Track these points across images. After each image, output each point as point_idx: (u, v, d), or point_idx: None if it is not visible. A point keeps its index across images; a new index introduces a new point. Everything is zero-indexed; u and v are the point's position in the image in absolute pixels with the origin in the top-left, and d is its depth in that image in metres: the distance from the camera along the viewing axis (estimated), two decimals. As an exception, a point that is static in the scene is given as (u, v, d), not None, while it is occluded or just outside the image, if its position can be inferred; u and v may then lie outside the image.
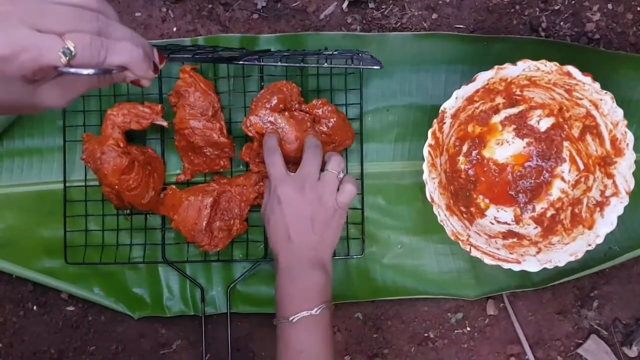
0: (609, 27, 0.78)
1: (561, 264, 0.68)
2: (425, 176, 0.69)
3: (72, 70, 0.39)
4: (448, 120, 0.69)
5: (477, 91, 0.69)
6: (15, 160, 0.78)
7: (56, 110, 0.53)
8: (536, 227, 0.75)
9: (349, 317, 0.79)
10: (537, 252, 0.71)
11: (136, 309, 0.78)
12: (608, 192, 0.70)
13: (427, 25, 0.78)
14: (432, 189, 0.69)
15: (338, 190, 0.66)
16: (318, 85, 0.76)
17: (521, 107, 0.74)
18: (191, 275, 0.78)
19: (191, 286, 0.78)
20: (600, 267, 0.76)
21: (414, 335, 0.79)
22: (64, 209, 0.77)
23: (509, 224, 0.75)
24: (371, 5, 0.78)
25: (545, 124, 0.75)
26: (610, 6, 0.78)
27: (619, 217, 0.69)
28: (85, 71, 0.40)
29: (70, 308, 0.79)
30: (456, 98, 0.68)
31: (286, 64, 0.60)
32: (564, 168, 0.75)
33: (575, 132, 0.73)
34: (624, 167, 0.69)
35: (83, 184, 0.77)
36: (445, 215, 0.70)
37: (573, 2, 0.78)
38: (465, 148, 0.75)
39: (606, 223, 0.69)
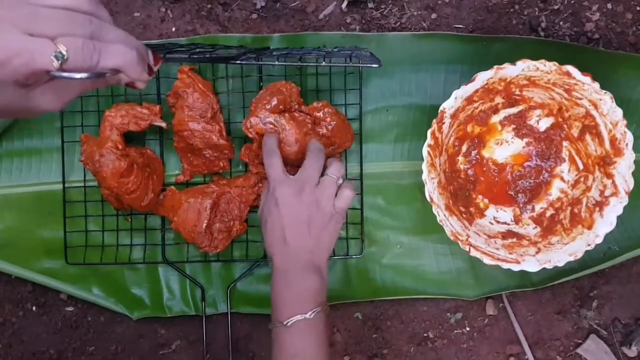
0: (609, 27, 0.78)
1: (560, 264, 0.68)
2: (424, 176, 0.69)
3: (65, 74, 0.39)
4: (447, 120, 0.69)
5: (477, 91, 0.69)
6: (14, 161, 0.78)
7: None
8: (535, 227, 0.75)
9: (348, 317, 0.79)
10: (537, 252, 0.71)
11: (135, 310, 0.78)
12: (607, 192, 0.70)
13: (427, 25, 0.78)
14: (432, 189, 0.69)
15: (336, 195, 0.65)
16: (317, 85, 0.76)
17: (520, 107, 0.74)
18: (191, 275, 0.78)
19: (191, 286, 0.78)
20: (600, 267, 0.76)
21: (413, 335, 0.79)
22: (64, 210, 0.76)
23: (508, 224, 0.75)
24: (370, 5, 0.78)
25: (544, 123, 0.75)
26: (609, 6, 0.78)
27: (619, 217, 0.69)
28: (78, 75, 0.40)
29: (70, 308, 0.79)
30: (455, 98, 0.68)
31: (284, 63, 0.60)
32: (564, 168, 0.75)
33: (575, 132, 0.73)
34: (623, 167, 0.69)
35: (82, 184, 0.77)
36: (445, 215, 0.70)
37: (572, 1, 0.78)
38: (464, 148, 0.75)
39: (605, 223, 0.69)
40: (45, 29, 0.38)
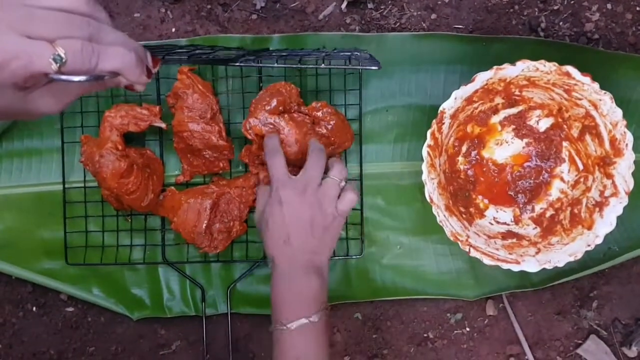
0: (608, 27, 0.78)
1: (560, 264, 0.68)
2: (424, 177, 0.69)
3: (63, 77, 0.39)
4: (447, 121, 0.69)
5: (476, 91, 0.69)
6: (14, 161, 0.78)
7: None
8: (535, 228, 0.75)
9: (348, 317, 0.79)
10: (537, 253, 0.71)
11: (135, 310, 0.78)
12: (607, 193, 0.70)
13: (426, 26, 0.78)
14: (431, 190, 0.69)
15: (339, 197, 0.65)
16: (317, 86, 0.76)
17: (520, 108, 0.74)
18: (191, 275, 0.78)
19: (191, 287, 0.78)
20: (600, 268, 0.76)
21: (413, 336, 0.79)
22: (64, 210, 0.77)
23: (508, 225, 0.75)
24: (370, 5, 0.78)
25: (544, 124, 0.75)
26: (609, 6, 0.78)
27: (618, 218, 0.69)
28: (76, 78, 0.39)
29: (70, 309, 0.79)
30: (455, 98, 0.68)
31: (284, 65, 0.60)
32: (563, 168, 0.75)
33: (575, 133, 0.73)
34: (623, 168, 0.69)
35: (82, 185, 0.77)
36: (445, 216, 0.70)
37: (572, 2, 0.78)
38: (464, 148, 0.75)
39: (605, 223, 0.69)
40: (43, 31, 0.38)
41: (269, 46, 0.76)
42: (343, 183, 0.66)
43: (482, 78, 0.67)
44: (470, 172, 0.76)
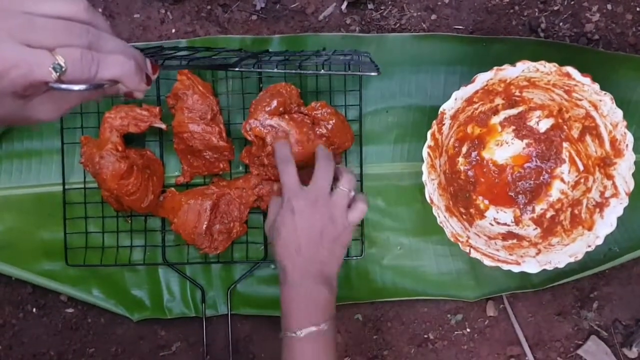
0: (608, 28, 0.78)
1: (561, 265, 0.68)
2: (424, 177, 0.69)
3: (63, 86, 0.38)
4: (447, 122, 0.69)
5: (477, 92, 0.69)
6: (14, 162, 0.78)
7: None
8: (536, 228, 0.74)
9: (348, 318, 0.79)
10: (537, 254, 0.71)
11: (135, 311, 0.78)
12: (608, 193, 0.70)
13: (426, 26, 0.78)
14: (432, 190, 0.69)
15: (349, 207, 0.65)
16: (317, 87, 0.76)
17: (520, 108, 0.74)
18: (191, 276, 0.78)
19: (191, 288, 0.78)
20: (600, 268, 0.76)
21: (413, 337, 0.79)
22: (64, 211, 0.76)
23: (508, 225, 0.75)
24: (370, 6, 0.78)
25: (544, 125, 0.74)
26: (609, 7, 0.78)
27: (619, 218, 0.69)
28: (76, 87, 0.39)
29: (70, 310, 0.79)
30: (455, 99, 0.68)
31: (284, 70, 0.59)
32: (564, 169, 0.75)
33: (575, 133, 0.73)
34: (623, 168, 0.69)
35: (82, 186, 0.77)
36: (445, 217, 0.70)
37: (572, 2, 0.78)
38: (464, 149, 0.75)
39: (606, 224, 0.69)
40: (42, 40, 0.38)
41: (269, 47, 0.76)
42: (352, 193, 0.65)
43: (482, 79, 0.67)
44: (470, 173, 0.75)
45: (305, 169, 0.73)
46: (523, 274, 0.70)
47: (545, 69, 0.67)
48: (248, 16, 0.78)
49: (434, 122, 0.68)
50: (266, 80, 0.75)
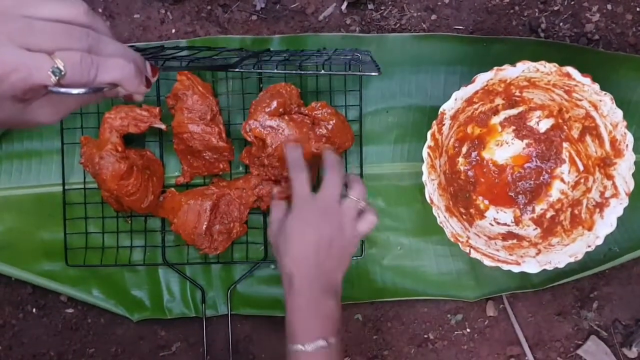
0: (609, 28, 0.78)
1: (561, 265, 0.68)
2: (424, 178, 0.69)
3: (62, 90, 0.38)
4: (447, 122, 0.69)
5: (477, 92, 0.69)
6: (14, 163, 0.78)
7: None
8: (536, 229, 0.75)
9: (348, 318, 0.79)
10: (537, 254, 0.71)
11: (135, 311, 0.78)
12: (608, 194, 0.70)
13: (426, 27, 0.78)
14: (432, 191, 0.69)
15: (359, 217, 0.64)
16: (317, 87, 0.76)
17: (520, 108, 0.74)
18: (191, 277, 0.78)
19: (191, 288, 0.78)
20: (600, 268, 0.76)
21: (413, 337, 0.79)
22: (64, 212, 0.76)
23: (508, 225, 0.75)
24: (370, 6, 0.78)
25: (544, 125, 0.74)
26: (609, 7, 0.78)
27: (619, 218, 0.69)
28: (75, 91, 0.39)
29: (70, 310, 0.79)
30: (455, 99, 0.68)
31: (284, 71, 0.59)
32: (564, 169, 0.75)
33: (575, 133, 0.73)
34: (623, 169, 0.69)
35: (82, 186, 0.77)
36: (445, 217, 0.70)
37: (572, 2, 0.78)
38: (464, 149, 0.75)
39: (606, 224, 0.69)
40: (42, 43, 0.38)
41: (269, 47, 0.76)
42: (362, 203, 0.64)
43: (482, 79, 0.67)
44: (470, 173, 0.75)
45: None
46: (523, 274, 0.70)
47: (545, 69, 0.67)
48: (248, 16, 0.78)
49: (434, 122, 0.68)
50: (266, 81, 0.75)
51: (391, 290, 0.78)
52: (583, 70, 0.67)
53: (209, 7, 0.78)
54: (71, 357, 0.79)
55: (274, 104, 0.70)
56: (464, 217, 0.73)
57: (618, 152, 0.69)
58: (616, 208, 0.69)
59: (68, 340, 0.79)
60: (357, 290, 0.78)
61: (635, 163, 0.69)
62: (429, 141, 0.69)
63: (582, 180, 0.73)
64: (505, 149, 0.75)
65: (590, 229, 0.70)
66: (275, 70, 0.59)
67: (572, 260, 0.69)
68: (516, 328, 0.79)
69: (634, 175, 0.68)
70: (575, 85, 0.68)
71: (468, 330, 0.79)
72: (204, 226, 0.73)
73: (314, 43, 0.75)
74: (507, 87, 0.70)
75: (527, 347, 0.79)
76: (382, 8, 0.78)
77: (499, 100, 0.73)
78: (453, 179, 0.74)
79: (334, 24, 0.78)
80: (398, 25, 0.78)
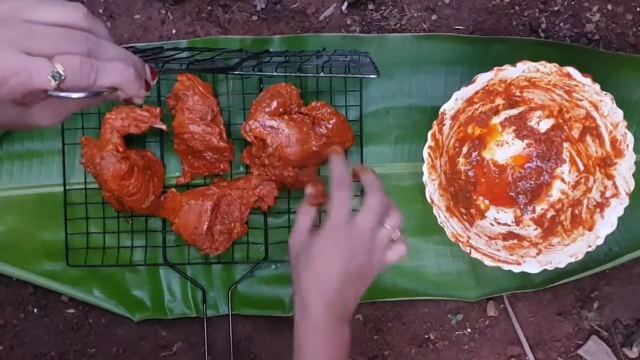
0: (609, 28, 0.78)
1: (561, 265, 0.68)
2: (425, 178, 0.69)
3: (62, 94, 0.38)
4: (448, 122, 0.69)
5: (477, 92, 0.69)
6: (15, 163, 0.78)
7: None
8: (536, 229, 0.75)
9: (349, 318, 0.79)
10: (538, 254, 0.71)
11: (136, 312, 0.78)
12: (608, 193, 0.70)
13: (427, 27, 0.78)
14: (432, 191, 0.69)
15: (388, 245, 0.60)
16: (317, 87, 0.76)
17: (521, 109, 0.74)
18: (192, 277, 0.78)
19: (192, 288, 0.78)
20: (601, 268, 0.76)
21: (414, 337, 0.79)
22: (65, 212, 0.77)
23: (509, 225, 0.75)
24: (370, 6, 0.78)
25: (545, 125, 0.75)
26: (609, 7, 0.78)
27: (619, 218, 0.69)
28: (75, 95, 0.39)
29: (71, 311, 0.80)
30: (456, 99, 0.68)
31: (284, 74, 0.59)
32: (564, 169, 0.75)
33: (575, 133, 0.73)
34: (624, 168, 0.69)
35: (83, 186, 0.77)
36: (445, 217, 0.70)
37: (572, 2, 0.78)
38: (465, 149, 0.75)
39: (606, 224, 0.69)
40: (42, 48, 0.38)
41: (270, 48, 0.76)
42: (397, 233, 0.60)
43: (482, 79, 0.67)
44: (471, 173, 0.76)
45: (306, 169, 0.73)
46: (524, 274, 0.70)
47: (545, 69, 0.67)
48: (248, 17, 0.78)
49: (435, 122, 0.68)
50: (267, 81, 0.75)
51: (392, 290, 0.78)
52: (583, 71, 0.67)
53: (209, 8, 0.78)
54: (72, 357, 0.80)
55: (274, 104, 0.70)
56: (465, 217, 0.73)
57: (618, 152, 0.69)
58: (617, 208, 0.69)
59: (69, 341, 0.80)
60: (357, 290, 0.78)
61: (636, 163, 0.69)
62: (430, 141, 0.69)
63: (583, 180, 0.73)
64: (505, 149, 0.75)
65: (590, 229, 0.70)
66: (275, 73, 0.59)
67: (572, 260, 0.69)
68: (517, 328, 0.79)
69: (634, 175, 0.69)
70: (576, 86, 0.68)
71: (469, 330, 0.79)
72: (205, 226, 0.73)
73: (315, 43, 0.75)
74: (508, 87, 0.70)
75: (528, 347, 0.79)
76: (383, 8, 0.78)
77: (499, 101, 0.73)
78: (453, 179, 0.74)
79: (334, 24, 0.78)
80: (398, 25, 0.78)
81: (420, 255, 0.78)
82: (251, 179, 0.74)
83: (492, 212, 0.76)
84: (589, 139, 0.72)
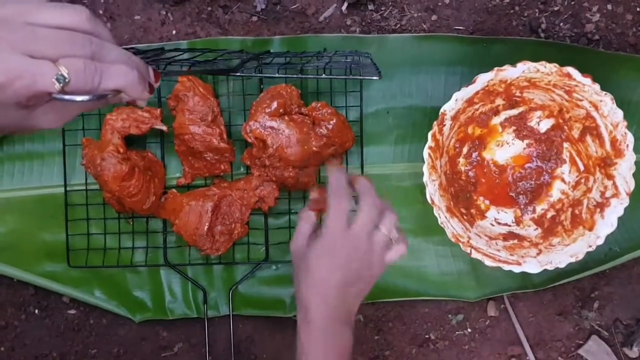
0: (609, 28, 0.78)
1: (562, 265, 0.69)
2: (425, 178, 0.69)
3: (66, 97, 0.38)
4: (448, 122, 0.69)
5: (477, 93, 0.69)
6: (16, 164, 0.78)
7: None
8: (536, 229, 0.75)
9: (350, 319, 0.79)
10: (538, 254, 0.71)
11: (137, 312, 0.78)
12: (608, 193, 0.70)
13: (427, 27, 0.78)
14: (433, 191, 0.69)
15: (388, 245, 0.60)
16: (318, 88, 0.76)
17: (521, 109, 0.74)
18: (193, 278, 0.78)
19: (193, 289, 0.78)
20: (601, 268, 0.76)
21: (415, 337, 0.80)
22: (65, 213, 0.77)
23: (509, 226, 0.75)
24: (370, 7, 0.78)
25: (545, 125, 0.75)
26: (609, 7, 0.78)
27: (619, 218, 0.69)
28: (79, 98, 0.39)
29: (72, 311, 0.80)
30: (456, 100, 0.68)
31: (285, 76, 0.59)
32: (564, 169, 0.75)
33: (575, 134, 0.73)
34: (624, 168, 0.69)
35: (84, 187, 0.77)
36: (446, 217, 0.70)
37: (572, 3, 0.78)
38: (465, 150, 0.75)
39: (606, 224, 0.69)
40: (45, 51, 0.38)
41: (270, 48, 0.76)
42: (394, 233, 0.60)
43: (482, 79, 0.67)
44: (471, 174, 0.76)
45: (306, 170, 0.73)
46: (524, 274, 0.70)
47: (545, 70, 0.67)
48: (249, 17, 0.78)
49: (435, 122, 0.68)
50: (267, 82, 0.75)
51: (392, 290, 0.78)
52: (583, 71, 0.67)
53: (209, 9, 0.78)
54: (73, 358, 0.80)
55: (275, 104, 0.70)
56: (465, 217, 0.74)
57: (618, 152, 0.69)
58: (617, 208, 0.69)
59: (70, 341, 0.80)
60: (358, 290, 0.78)
61: (636, 163, 0.69)
62: (430, 142, 0.69)
63: (583, 180, 0.73)
64: (505, 150, 0.75)
65: (591, 229, 0.70)
66: (277, 75, 0.59)
67: (573, 260, 0.69)
68: (517, 328, 0.79)
69: (634, 175, 0.69)
70: (576, 86, 0.68)
71: (469, 330, 0.80)
72: (206, 227, 0.73)
73: (315, 44, 0.75)
74: (508, 87, 0.70)
75: (528, 347, 0.79)
76: (383, 9, 0.78)
77: (499, 101, 0.73)
78: (454, 180, 0.75)
79: (334, 24, 0.78)
80: (398, 25, 0.78)
81: (420, 256, 0.78)
82: (252, 179, 0.74)
83: (493, 213, 0.76)
84: (589, 139, 0.72)
